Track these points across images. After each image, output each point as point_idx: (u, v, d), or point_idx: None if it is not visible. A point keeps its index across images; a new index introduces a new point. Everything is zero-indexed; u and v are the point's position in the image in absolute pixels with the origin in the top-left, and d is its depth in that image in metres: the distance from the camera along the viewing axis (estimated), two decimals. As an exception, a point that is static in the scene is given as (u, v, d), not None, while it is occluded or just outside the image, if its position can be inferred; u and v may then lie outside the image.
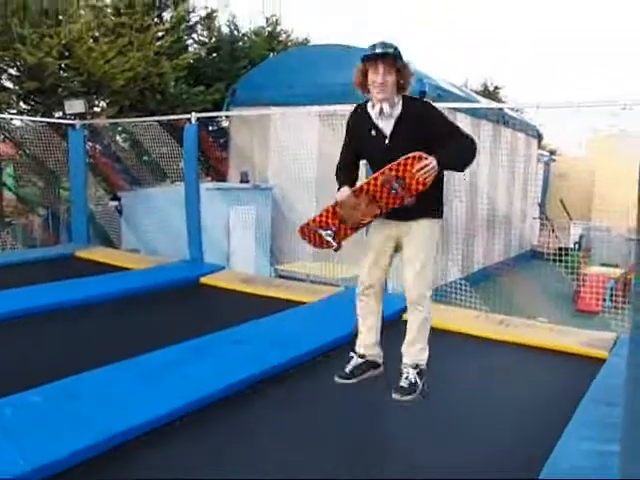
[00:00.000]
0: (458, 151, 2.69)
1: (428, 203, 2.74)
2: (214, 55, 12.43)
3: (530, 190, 12.62)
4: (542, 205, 13.85)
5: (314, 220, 2.76)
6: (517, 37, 53.69)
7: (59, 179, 10.09)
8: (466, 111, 8.91)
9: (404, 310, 5.69)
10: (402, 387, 2.81)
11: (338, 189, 2.86)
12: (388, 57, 2.54)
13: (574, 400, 3.77)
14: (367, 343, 3.04)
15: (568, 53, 51.90)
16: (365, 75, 2.64)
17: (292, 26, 13.99)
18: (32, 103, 9.98)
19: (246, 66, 12.08)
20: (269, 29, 13.38)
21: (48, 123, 9.36)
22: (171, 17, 11.07)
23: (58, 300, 5.66)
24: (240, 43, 12.74)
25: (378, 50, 2.56)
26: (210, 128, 11.47)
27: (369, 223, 2.75)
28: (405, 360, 2.88)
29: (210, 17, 12.19)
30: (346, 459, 3.26)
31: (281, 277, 8.06)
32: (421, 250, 2.75)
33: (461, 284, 6.66)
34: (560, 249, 8.84)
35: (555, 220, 12.47)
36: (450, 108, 8.22)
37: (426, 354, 2.90)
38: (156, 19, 10.71)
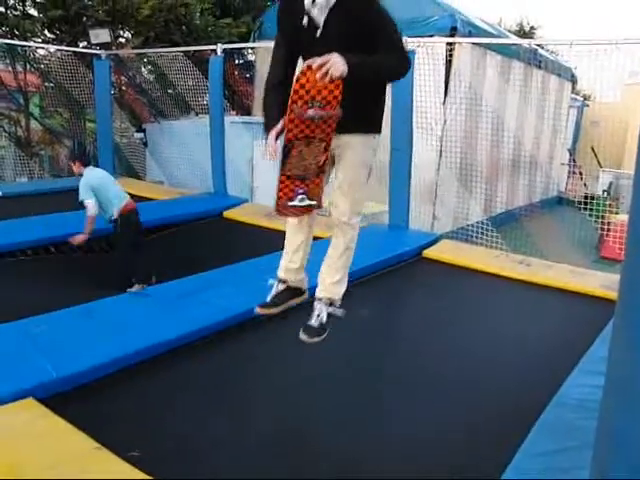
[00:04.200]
0: (378, 64, 2.29)
1: (362, 113, 2.35)
2: (241, -14, 12.12)
3: (560, 135, 12.32)
4: (572, 151, 13.54)
5: (280, 198, 2.32)
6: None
7: (84, 110, 10.10)
8: (496, 49, 8.62)
9: (425, 246, 5.77)
10: (312, 327, 2.48)
11: (265, 126, 2.38)
12: None
13: (590, 340, 3.80)
14: (291, 267, 2.60)
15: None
16: None
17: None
18: (57, 32, 9.88)
19: (274, -2, 11.78)
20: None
21: (74, 52, 9.30)
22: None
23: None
24: (268, -26, 12.38)
25: None
26: (237, 61, 11.28)
27: (326, 162, 2.34)
28: (320, 294, 2.50)
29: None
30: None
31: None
32: (352, 173, 2.41)
33: (484, 225, 6.61)
34: (587, 196, 8.69)
35: (584, 167, 12.18)
36: (480, 44, 8.02)
37: (343, 287, 2.52)
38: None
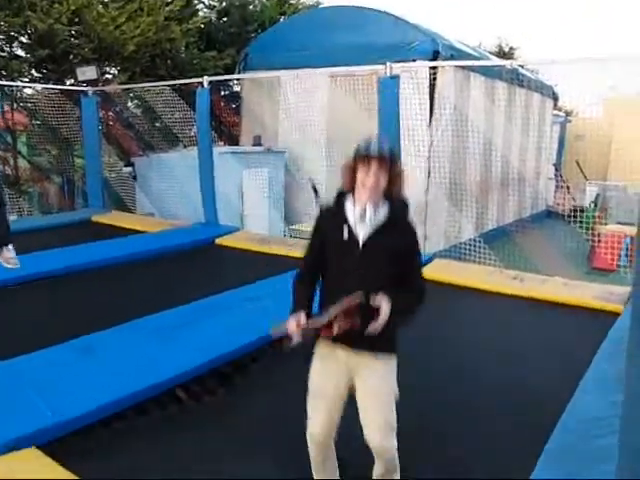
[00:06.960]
0: (410, 301, 2.45)
1: (387, 329, 2.26)
2: (224, 19, 12.30)
3: (544, 150, 12.49)
4: (557, 166, 13.72)
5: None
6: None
7: (72, 147, 10.14)
8: (479, 71, 8.77)
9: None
10: None
11: (292, 309, 2.34)
12: (383, 158, 2.24)
13: (589, 353, 3.79)
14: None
15: (588, 10, 50.04)
16: (354, 173, 2.28)
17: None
18: (44, 71, 9.95)
19: (257, 30, 11.95)
20: (280, -8, 13.16)
21: (61, 90, 9.36)
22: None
23: (78, 262, 5.76)
24: (251, 7, 12.56)
25: (373, 150, 2.25)
26: (222, 93, 11.41)
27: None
28: None
29: (220, -20, 12.04)
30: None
31: (295, 237, 8.10)
32: (383, 402, 2.29)
33: (476, 242, 6.65)
34: (575, 209, 8.79)
35: (571, 180, 12.34)
36: (464, 66, 8.16)
37: None
38: (165, -17, 10.57)
